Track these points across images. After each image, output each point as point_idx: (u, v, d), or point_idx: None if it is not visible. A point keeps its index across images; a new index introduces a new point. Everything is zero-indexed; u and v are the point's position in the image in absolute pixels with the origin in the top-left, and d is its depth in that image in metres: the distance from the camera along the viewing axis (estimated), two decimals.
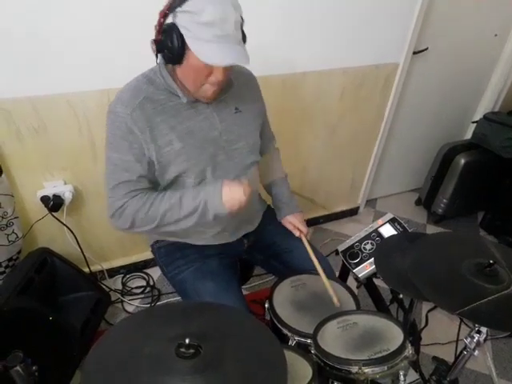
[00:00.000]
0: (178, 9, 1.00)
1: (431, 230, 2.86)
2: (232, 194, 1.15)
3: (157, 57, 1.12)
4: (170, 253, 1.40)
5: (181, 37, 1.01)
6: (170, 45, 1.03)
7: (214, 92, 1.13)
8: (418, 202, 3.08)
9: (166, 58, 1.10)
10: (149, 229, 1.21)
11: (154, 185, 1.26)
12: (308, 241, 1.43)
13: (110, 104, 1.16)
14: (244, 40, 1.10)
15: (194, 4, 0.97)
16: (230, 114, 1.27)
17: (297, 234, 1.45)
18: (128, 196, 1.18)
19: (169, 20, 1.03)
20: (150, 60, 1.65)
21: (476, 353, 1.05)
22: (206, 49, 1.00)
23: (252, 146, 1.34)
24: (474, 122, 2.83)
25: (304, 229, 1.46)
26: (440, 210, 2.84)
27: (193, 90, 1.14)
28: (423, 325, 2.02)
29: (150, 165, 1.18)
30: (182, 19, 1.01)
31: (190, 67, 1.07)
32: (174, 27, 1.02)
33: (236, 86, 1.24)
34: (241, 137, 1.29)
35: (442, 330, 2.02)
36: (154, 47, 1.08)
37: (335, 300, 1.25)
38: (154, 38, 1.08)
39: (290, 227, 1.47)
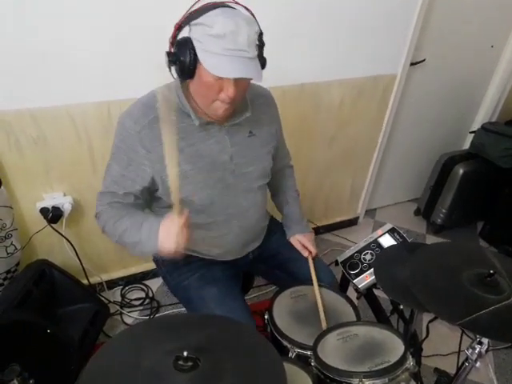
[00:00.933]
0: (193, 22, 1.00)
1: (430, 240, 2.85)
2: (162, 244, 1.09)
3: (170, 70, 1.11)
4: (172, 261, 1.39)
5: (193, 50, 1.01)
6: (181, 58, 1.03)
7: (225, 110, 1.10)
8: (417, 212, 3.08)
9: (178, 72, 1.08)
10: (114, 240, 1.22)
11: (149, 203, 1.29)
12: (314, 263, 1.43)
13: (121, 113, 1.16)
14: (263, 64, 1.08)
15: (208, 17, 0.98)
16: (244, 138, 1.25)
17: (305, 254, 1.45)
18: (109, 205, 1.21)
19: (185, 34, 1.04)
20: (149, 73, 1.66)
21: (478, 364, 1.04)
22: (215, 60, 0.99)
23: (262, 170, 1.33)
24: (471, 132, 2.85)
25: (313, 249, 1.46)
26: (439, 220, 2.84)
27: (204, 107, 1.12)
28: (424, 336, 2.01)
29: (149, 183, 1.18)
30: (195, 32, 1.01)
31: (201, 82, 1.06)
32: (188, 40, 1.02)
33: (252, 110, 1.22)
34: (252, 161, 1.29)
35: (443, 341, 2.00)
36: (167, 60, 1.07)
37: (324, 325, 1.22)
38: (167, 50, 1.08)
39: (298, 246, 1.48)
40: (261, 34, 1.07)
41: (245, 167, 1.27)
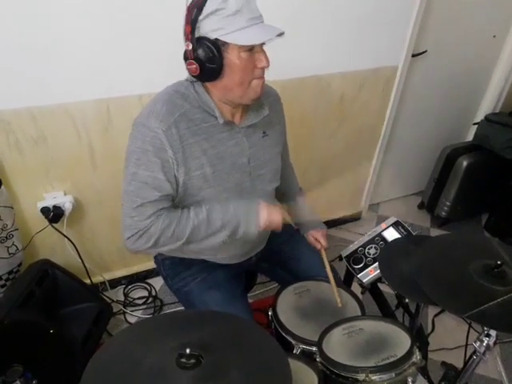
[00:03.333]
0: (200, 17, 0.98)
1: (435, 233, 2.83)
2: (271, 218, 1.17)
3: (198, 78, 1.08)
4: (175, 265, 1.38)
5: (215, 44, 0.99)
6: (209, 57, 1.00)
7: (262, 86, 1.11)
8: (421, 206, 3.06)
9: (206, 75, 1.05)
10: (172, 247, 1.15)
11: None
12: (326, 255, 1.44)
13: (138, 116, 1.09)
14: None
15: (214, 3, 0.96)
16: (259, 139, 1.24)
17: (318, 246, 1.45)
18: (154, 216, 1.10)
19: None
20: (148, 70, 1.66)
21: (486, 357, 1.03)
22: (245, 34, 0.98)
23: (274, 172, 1.32)
24: (475, 124, 2.82)
25: (324, 243, 1.45)
26: (443, 213, 2.81)
27: (241, 96, 1.09)
28: (430, 330, 2.00)
29: (176, 185, 1.13)
30: (208, 25, 0.98)
31: (234, 70, 1.03)
32: (203, 39, 1.00)
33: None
34: (266, 162, 1.27)
35: (449, 334, 1.99)
36: (195, 66, 1.03)
37: (339, 300, 1.27)
38: (188, 59, 1.04)
39: (311, 241, 1.48)
40: None
41: (260, 169, 1.25)
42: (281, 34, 1.04)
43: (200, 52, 1.01)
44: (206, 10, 0.97)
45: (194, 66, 1.03)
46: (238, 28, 0.98)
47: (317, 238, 1.47)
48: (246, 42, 0.99)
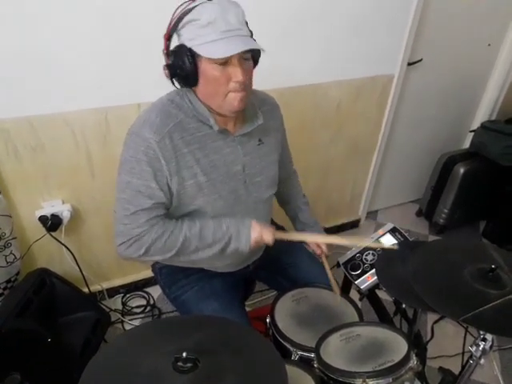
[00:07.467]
0: (180, 25, 1.00)
1: None
2: (262, 238, 1.18)
3: (173, 83, 1.09)
4: (172, 273, 1.38)
5: (190, 52, 1.00)
6: (181, 64, 1.01)
7: (240, 100, 1.06)
8: (419, 213, 3.07)
9: (182, 82, 1.07)
10: (162, 258, 1.15)
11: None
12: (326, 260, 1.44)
13: (133, 124, 1.10)
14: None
15: (193, 12, 0.98)
16: (254, 147, 1.23)
17: (318, 251, 1.45)
18: (148, 224, 1.10)
19: (175, 43, 1.04)
20: (147, 79, 1.67)
21: (482, 361, 1.03)
22: (213, 47, 0.97)
23: (271, 179, 1.32)
24: (471, 131, 2.85)
25: (325, 249, 1.44)
26: (441, 221, 2.82)
27: (218, 107, 1.08)
28: (429, 337, 1.99)
29: (170, 195, 1.13)
30: (186, 33, 1.00)
31: (208, 81, 1.03)
32: (181, 46, 1.01)
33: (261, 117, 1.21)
34: (262, 170, 1.27)
35: (449, 342, 1.98)
36: (167, 72, 1.05)
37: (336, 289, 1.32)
38: (164, 63, 1.06)
39: (313, 246, 1.47)
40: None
41: (255, 177, 1.25)
42: (249, 47, 0.99)
43: (174, 59, 1.03)
44: (186, 18, 0.99)
45: (166, 71, 1.06)
46: (208, 40, 0.97)
47: (318, 243, 1.48)
48: (210, 55, 0.98)
